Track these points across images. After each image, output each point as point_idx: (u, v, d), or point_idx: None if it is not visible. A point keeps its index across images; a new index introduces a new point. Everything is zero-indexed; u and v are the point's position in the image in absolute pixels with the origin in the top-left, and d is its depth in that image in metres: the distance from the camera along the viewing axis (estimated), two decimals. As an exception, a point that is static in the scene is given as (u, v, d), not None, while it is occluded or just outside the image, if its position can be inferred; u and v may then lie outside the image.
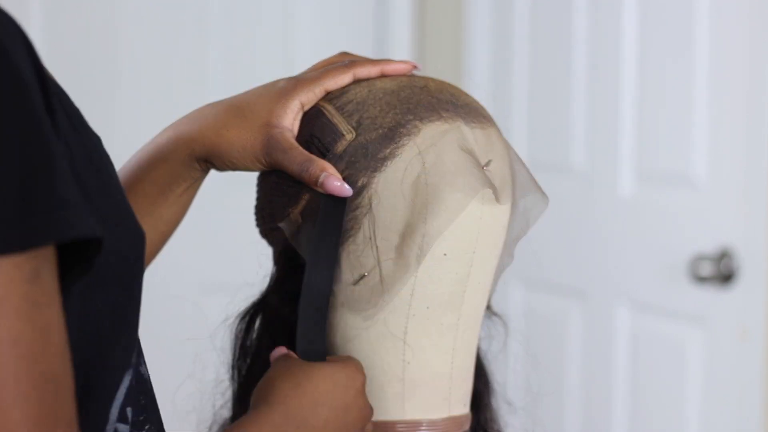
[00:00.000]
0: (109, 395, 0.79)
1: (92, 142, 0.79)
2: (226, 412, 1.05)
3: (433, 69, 2.68)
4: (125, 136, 2.52)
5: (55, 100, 0.71)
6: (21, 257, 0.65)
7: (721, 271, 2.18)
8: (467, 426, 1.02)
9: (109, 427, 0.78)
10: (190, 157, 1.01)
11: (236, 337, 1.02)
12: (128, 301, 0.79)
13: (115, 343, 0.78)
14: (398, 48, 2.73)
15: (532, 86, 2.60)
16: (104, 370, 0.78)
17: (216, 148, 0.99)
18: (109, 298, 0.76)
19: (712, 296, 2.20)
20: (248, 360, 1.02)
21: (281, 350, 0.95)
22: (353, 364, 0.93)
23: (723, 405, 2.19)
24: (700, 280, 2.19)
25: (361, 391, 0.92)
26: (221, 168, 1.01)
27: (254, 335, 1.02)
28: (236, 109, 1.00)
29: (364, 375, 0.93)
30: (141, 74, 2.58)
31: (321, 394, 0.90)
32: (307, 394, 0.90)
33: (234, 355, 1.03)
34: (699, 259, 2.20)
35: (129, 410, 0.80)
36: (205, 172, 1.03)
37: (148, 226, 1.01)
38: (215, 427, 1.06)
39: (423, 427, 0.99)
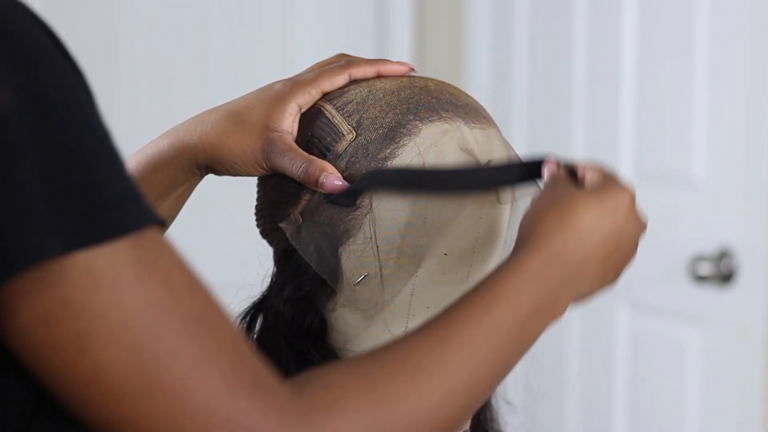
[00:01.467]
0: None
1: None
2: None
3: (433, 69, 2.68)
4: (125, 136, 2.52)
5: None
6: (123, 239, 0.67)
7: (721, 271, 2.18)
8: (467, 425, 1.02)
9: None
10: (191, 163, 1.02)
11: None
12: None
13: None
14: (398, 48, 2.73)
15: (532, 86, 2.60)
16: None
17: (217, 155, 1.00)
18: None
19: (711, 296, 2.20)
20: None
21: (552, 168, 0.94)
22: (620, 184, 0.91)
23: (723, 405, 2.19)
24: (700, 280, 2.20)
25: (632, 210, 0.90)
26: (222, 173, 1.02)
27: (255, 335, 1.02)
28: (235, 114, 1.00)
29: (632, 192, 0.91)
30: (141, 74, 2.58)
31: (590, 228, 0.87)
32: (570, 233, 0.87)
33: (235, 355, 1.03)
34: (699, 259, 2.20)
35: None
36: (203, 176, 1.04)
37: None
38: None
39: (423, 427, 0.99)
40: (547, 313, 0.85)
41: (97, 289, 0.65)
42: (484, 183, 0.96)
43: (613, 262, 0.91)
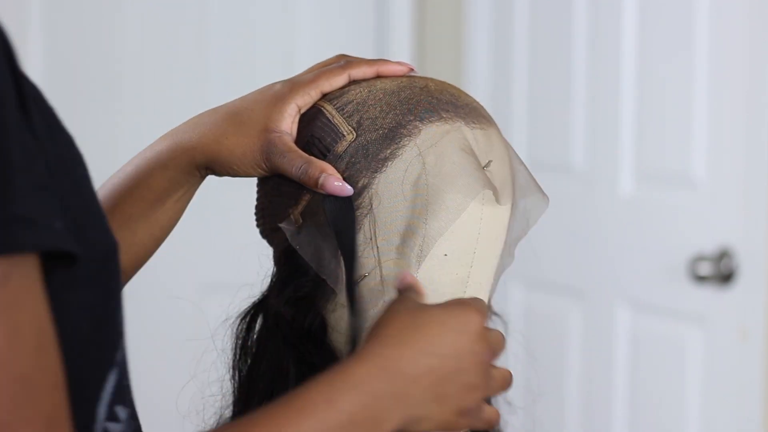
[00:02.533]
0: (94, 394, 0.78)
1: (64, 142, 0.78)
2: (228, 413, 1.05)
3: (433, 69, 2.68)
4: (126, 136, 2.52)
5: (31, 102, 0.72)
6: None
7: (721, 271, 2.18)
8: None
9: (98, 426, 0.78)
10: (190, 165, 1.02)
11: (237, 337, 1.03)
12: (106, 299, 0.79)
13: (95, 341, 0.78)
14: (398, 48, 2.73)
15: (532, 86, 2.60)
16: (85, 369, 0.77)
17: (216, 156, 1.00)
18: (86, 297, 0.76)
19: (711, 296, 2.20)
20: (249, 360, 1.02)
21: (406, 280, 0.90)
22: (471, 306, 0.86)
23: (723, 405, 2.19)
24: (700, 279, 2.20)
25: (480, 335, 0.85)
26: (222, 174, 1.02)
27: (255, 336, 1.02)
28: (234, 115, 1.00)
29: (483, 316, 0.86)
30: (141, 74, 2.58)
31: (426, 344, 0.83)
32: (408, 344, 0.83)
33: (234, 355, 1.03)
34: (699, 258, 2.20)
35: (120, 409, 0.80)
36: (203, 178, 1.04)
37: (144, 231, 1.03)
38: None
39: (423, 427, 0.98)
40: (364, 428, 0.80)
41: None
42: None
43: (452, 389, 0.84)
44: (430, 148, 0.96)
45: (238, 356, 1.02)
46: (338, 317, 0.98)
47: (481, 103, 1.03)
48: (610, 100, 2.38)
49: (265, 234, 1.03)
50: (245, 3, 2.64)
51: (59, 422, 0.70)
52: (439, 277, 0.97)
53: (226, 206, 2.47)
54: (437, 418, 0.84)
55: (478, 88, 2.63)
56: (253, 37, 2.66)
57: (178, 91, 2.57)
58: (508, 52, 2.64)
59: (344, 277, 0.95)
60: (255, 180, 1.04)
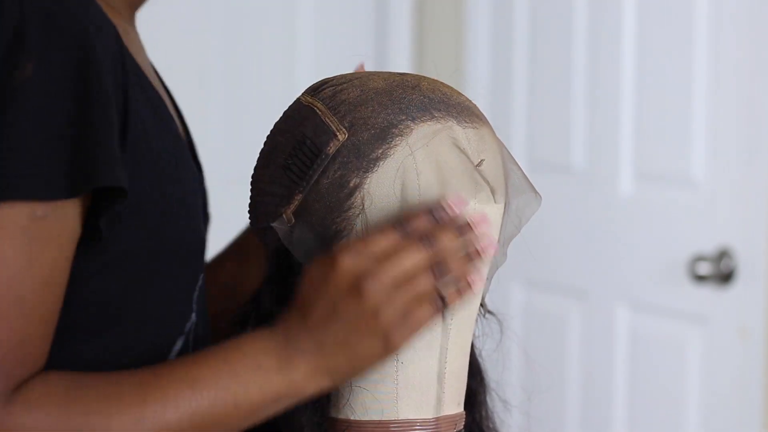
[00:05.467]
0: (161, 354, 0.92)
1: (171, 138, 0.94)
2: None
3: (433, 69, 2.68)
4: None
5: (137, 92, 0.87)
6: (28, 202, 0.78)
7: (721, 271, 2.18)
8: (461, 425, 1.02)
9: None
10: None
11: (230, 335, 1.03)
12: (186, 282, 0.93)
13: (169, 313, 0.91)
14: (398, 48, 2.73)
15: (532, 86, 2.60)
16: (159, 335, 0.90)
17: None
18: (166, 281, 0.89)
19: (711, 296, 2.20)
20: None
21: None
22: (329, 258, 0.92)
23: (723, 405, 2.19)
24: (700, 279, 2.20)
25: (331, 280, 0.91)
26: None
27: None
28: None
29: (333, 261, 0.91)
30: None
31: (303, 299, 0.91)
32: (295, 312, 0.92)
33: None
34: (698, 258, 2.20)
35: None
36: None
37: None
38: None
39: (417, 427, 0.99)
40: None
41: None
42: None
43: (341, 329, 0.91)
44: (422, 148, 0.96)
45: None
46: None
47: (481, 103, 1.03)
48: (610, 100, 2.38)
49: (257, 233, 1.03)
50: (246, 3, 2.65)
51: (28, 352, 0.80)
52: (432, 277, 0.97)
53: (220, 205, 2.48)
54: (363, 354, 0.91)
55: (477, 88, 2.63)
56: (254, 37, 2.67)
57: (178, 93, 2.58)
58: (508, 51, 2.65)
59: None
60: (249, 180, 1.05)
